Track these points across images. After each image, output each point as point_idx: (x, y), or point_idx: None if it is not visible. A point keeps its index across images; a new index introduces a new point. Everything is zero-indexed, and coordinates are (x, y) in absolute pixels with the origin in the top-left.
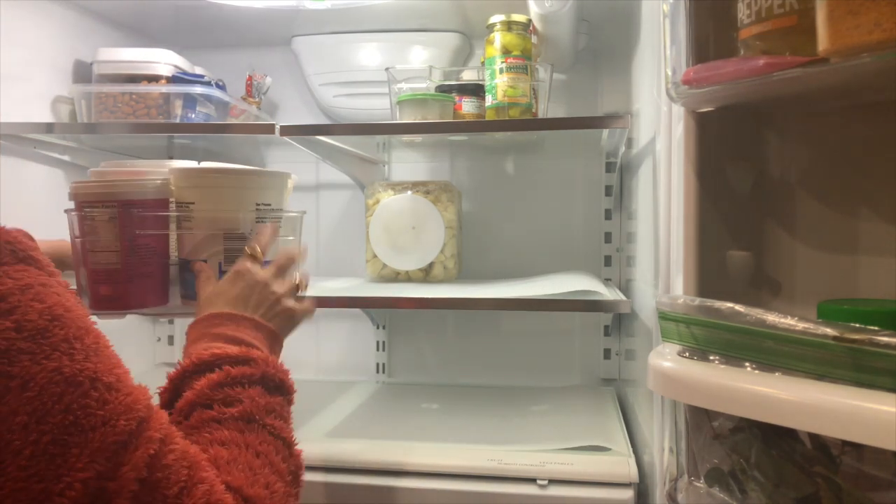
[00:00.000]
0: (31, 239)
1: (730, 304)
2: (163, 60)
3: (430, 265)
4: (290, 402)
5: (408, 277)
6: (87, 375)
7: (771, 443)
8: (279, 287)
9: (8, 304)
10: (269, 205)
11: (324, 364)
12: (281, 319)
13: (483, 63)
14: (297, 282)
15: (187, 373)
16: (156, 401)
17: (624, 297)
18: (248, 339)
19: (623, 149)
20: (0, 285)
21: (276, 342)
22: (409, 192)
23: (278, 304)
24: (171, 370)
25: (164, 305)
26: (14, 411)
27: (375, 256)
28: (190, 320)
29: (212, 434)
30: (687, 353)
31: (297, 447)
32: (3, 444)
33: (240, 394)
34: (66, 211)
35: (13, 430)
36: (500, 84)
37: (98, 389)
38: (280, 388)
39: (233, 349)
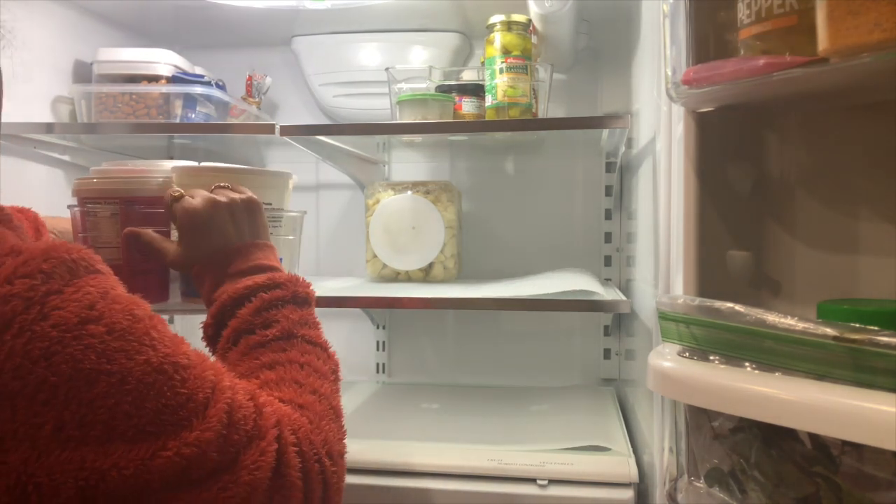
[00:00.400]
0: (92, 252)
1: (730, 304)
2: (163, 60)
3: (430, 265)
4: (314, 309)
5: (408, 277)
6: (170, 361)
7: (771, 443)
8: (239, 202)
9: (97, 312)
10: (270, 204)
11: None
12: (263, 228)
13: (483, 63)
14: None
15: (226, 307)
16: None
17: (624, 297)
18: (265, 262)
19: (623, 149)
20: (87, 295)
21: (273, 252)
22: (410, 192)
23: (252, 217)
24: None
25: (165, 302)
26: (118, 402)
27: (375, 256)
28: (190, 318)
29: (258, 358)
30: (687, 353)
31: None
32: (112, 430)
33: (276, 315)
34: (69, 207)
35: (118, 418)
36: (500, 84)
37: (178, 371)
38: (307, 300)
39: (260, 278)
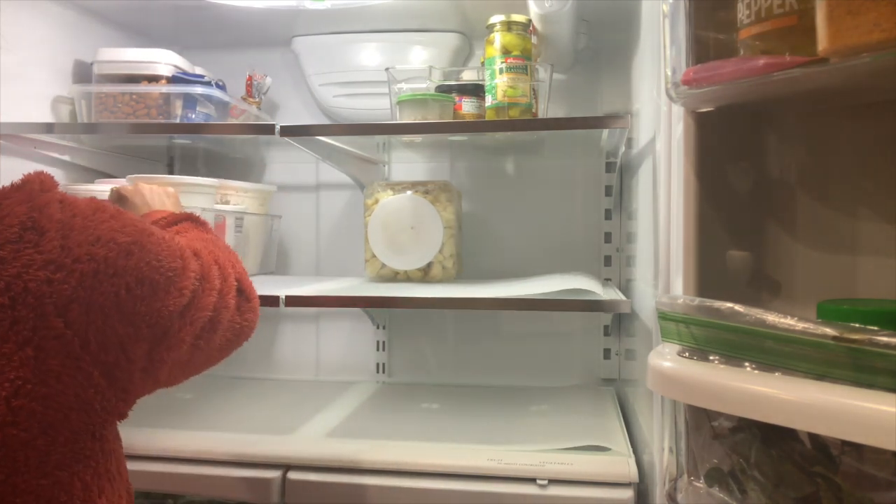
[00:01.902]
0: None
1: (729, 304)
2: (163, 60)
3: (429, 265)
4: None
5: (406, 277)
6: (150, 227)
7: (771, 443)
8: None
9: (95, 204)
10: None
11: (324, 364)
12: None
13: (483, 63)
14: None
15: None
16: None
17: (624, 297)
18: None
19: (623, 149)
20: (76, 196)
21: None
22: (408, 192)
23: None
24: None
25: None
26: (148, 261)
27: (374, 256)
28: None
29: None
30: (687, 353)
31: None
32: (156, 283)
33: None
34: None
35: (154, 269)
36: (500, 84)
37: (158, 232)
38: (191, 219)
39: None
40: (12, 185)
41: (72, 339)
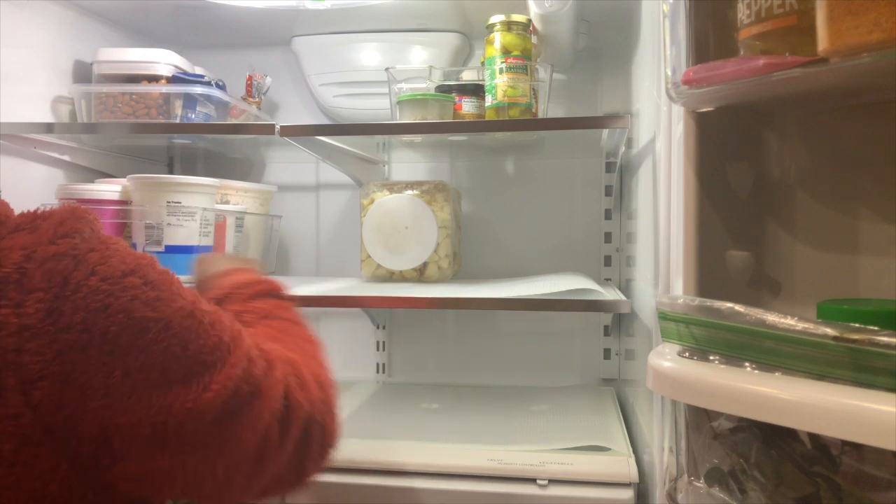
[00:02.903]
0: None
1: (730, 304)
2: (163, 60)
3: (425, 265)
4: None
5: (402, 277)
6: (197, 308)
7: (771, 443)
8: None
9: (131, 266)
10: (205, 208)
11: None
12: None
13: (483, 63)
14: None
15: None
16: None
17: (624, 297)
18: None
19: (623, 149)
20: (117, 251)
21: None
22: (403, 192)
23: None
24: None
25: None
26: (169, 346)
27: (370, 256)
28: None
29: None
30: (687, 353)
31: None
32: (167, 372)
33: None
34: None
35: (170, 360)
36: (500, 84)
37: (205, 316)
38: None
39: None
40: (31, 217)
41: (32, 422)
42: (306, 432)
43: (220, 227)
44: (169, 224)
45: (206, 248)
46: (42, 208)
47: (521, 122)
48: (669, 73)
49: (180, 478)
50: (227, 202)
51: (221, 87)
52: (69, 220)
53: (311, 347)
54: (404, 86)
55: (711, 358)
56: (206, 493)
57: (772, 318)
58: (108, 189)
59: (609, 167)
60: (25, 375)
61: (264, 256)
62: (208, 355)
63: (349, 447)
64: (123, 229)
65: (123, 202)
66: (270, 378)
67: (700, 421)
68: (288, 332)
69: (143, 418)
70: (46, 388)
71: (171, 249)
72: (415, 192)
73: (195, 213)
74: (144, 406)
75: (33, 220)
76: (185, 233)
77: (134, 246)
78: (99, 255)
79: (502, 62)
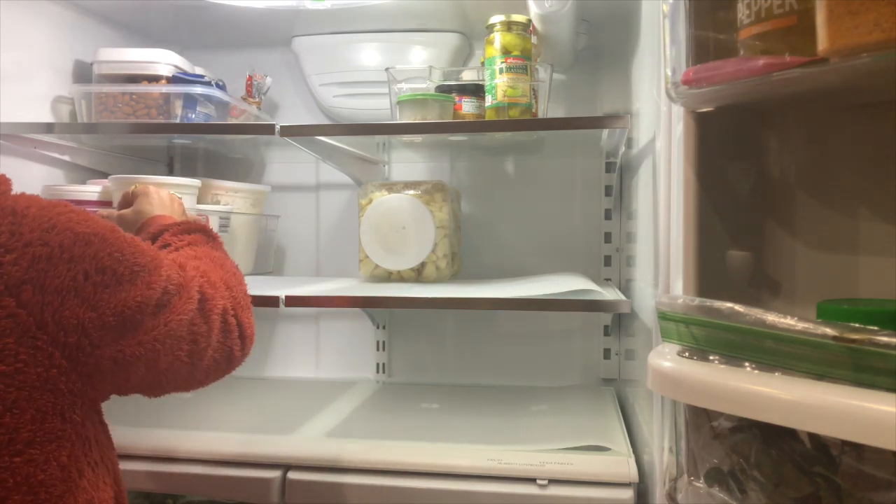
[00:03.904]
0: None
1: (730, 304)
2: (163, 60)
3: (423, 265)
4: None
5: (400, 277)
6: (116, 229)
7: (771, 443)
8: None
9: (51, 201)
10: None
11: (324, 364)
12: (178, 205)
13: (483, 63)
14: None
15: (155, 234)
16: None
17: (624, 297)
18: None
19: (623, 149)
20: (35, 197)
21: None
22: (402, 192)
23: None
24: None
25: None
26: (110, 252)
27: (368, 257)
28: None
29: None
30: (687, 353)
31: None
32: (115, 273)
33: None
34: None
35: (115, 261)
36: (500, 84)
37: (125, 234)
38: (204, 231)
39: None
40: None
41: (26, 319)
42: (224, 321)
43: None
44: None
45: None
46: None
47: (521, 122)
48: (669, 73)
49: (143, 357)
50: (217, 202)
51: (221, 87)
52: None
53: (224, 263)
54: (404, 86)
55: (711, 358)
56: (163, 370)
57: (772, 318)
58: (90, 189)
59: (609, 167)
60: (10, 281)
61: (259, 256)
62: (140, 258)
63: (349, 447)
64: None
65: (104, 202)
66: (186, 278)
67: (700, 421)
68: (206, 254)
69: (107, 310)
70: (30, 291)
71: None
72: (413, 192)
73: None
74: (106, 301)
75: None
76: None
77: None
78: (24, 198)
79: (502, 62)
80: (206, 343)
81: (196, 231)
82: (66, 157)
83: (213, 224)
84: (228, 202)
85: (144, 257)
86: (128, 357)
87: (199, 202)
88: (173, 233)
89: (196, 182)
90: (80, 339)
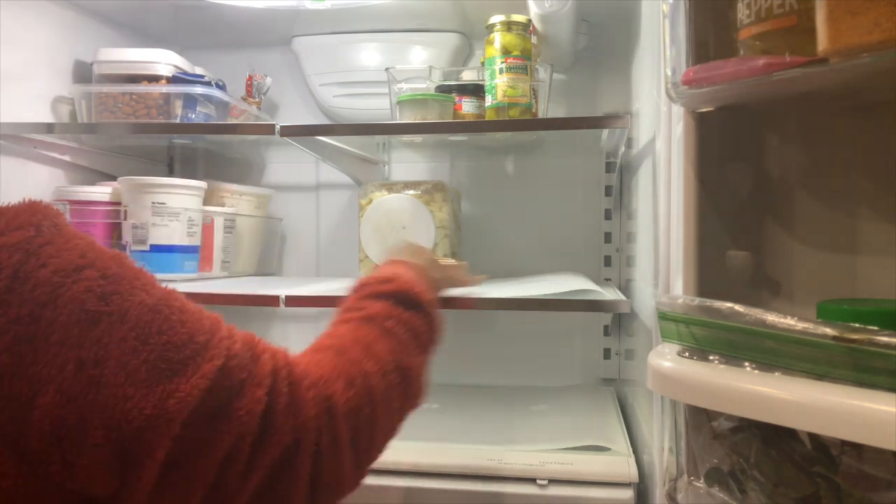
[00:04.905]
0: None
1: (730, 304)
2: (163, 60)
3: None
4: (426, 320)
5: None
6: (165, 303)
7: (771, 443)
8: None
9: (89, 259)
10: (188, 208)
11: None
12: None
13: (483, 63)
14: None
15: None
16: None
17: (624, 297)
18: (400, 270)
19: (623, 149)
20: (76, 246)
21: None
22: (401, 192)
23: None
24: None
25: None
26: (124, 338)
27: (367, 257)
28: None
29: (329, 331)
30: (687, 353)
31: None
32: (125, 367)
33: (368, 304)
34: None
35: (127, 353)
36: (499, 84)
37: (175, 313)
38: (416, 304)
39: (382, 274)
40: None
41: None
42: (287, 461)
43: (207, 228)
44: (154, 224)
45: (192, 248)
46: (2, 204)
47: (521, 122)
48: (669, 73)
49: (133, 486)
50: (222, 204)
51: (221, 87)
52: (24, 214)
53: (348, 358)
54: (404, 86)
55: (711, 358)
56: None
57: (772, 318)
58: (100, 191)
59: (609, 167)
60: None
61: (263, 258)
62: (174, 353)
63: None
64: (115, 229)
65: (115, 203)
66: (250, 387)
67: (700, 421)
68: (355, 340)
69: (96, 420)
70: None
71: (157, 248)
72: (413, 192)
73: (179, 213)
74: (99, 406)
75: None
76: (169, 232)
77: (123, 247)
78: (55, 248)
79: (502, 62)
80: (234, 486)
81: (388, 297)
82: (66, 158)
83: (219, 226)
84: (233, 204)
85: (182, 351)
86: (113, 486)
87: (204, 204)
88: (360, 295)
89: (202, 184)
90: (48, 449)
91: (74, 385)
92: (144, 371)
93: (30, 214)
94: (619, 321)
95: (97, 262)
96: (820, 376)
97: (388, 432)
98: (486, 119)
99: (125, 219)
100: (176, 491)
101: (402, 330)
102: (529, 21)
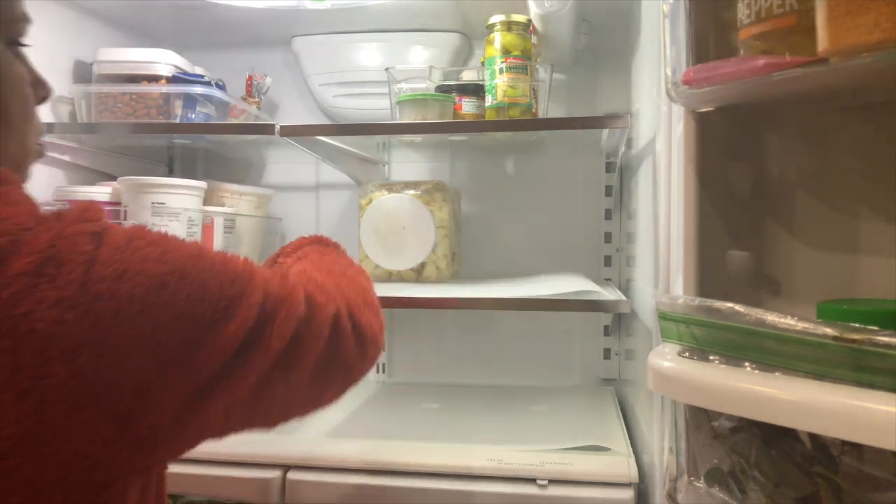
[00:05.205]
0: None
1: (730, 304)
2: (163, 60)
3: (423, 265)
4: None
5: (400, 277)
6: (204, 251)
7: (771, 443)
8: None
9: (132, 232)
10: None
11: None
12: None
13: (483, 63)
14: None
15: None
16: None
17: (624, 297)
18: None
19: (623, 149)
20: (121, 229)
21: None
22: (401, 192)
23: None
24: None
25: None
26: (189, 292)
27: (367, 257)
28: None
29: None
30: (687, 353)
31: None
32: (195, 317)
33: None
34: None
35: (195, 303)
36: (500, 84)
37: (214, 257)
38: (318, 241)
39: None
40: (57, 212)
41: (77, 389)
42: (336, 327)
43: (207, 229)
44: (154, 224)
45: None
46: (62, 206)
47: (521, 122)
48: (669, 73)
49: (218, 405)
50: (221, 204)
51: (221, 87)
52: (90, 209)
53: (335, 263)
54: (404, 86)
55: (711, 358)
56: (246, 413)
57: (772, 318)
58: (100, 191)
59: (609, 167)
60: (67, 345)
61: (261, 259)
62: (229, 289)
63: (349, 447)
64: None
65: (115, 203)
66: (287, 288)
67: (700, 421)
68: (315, 259)
69: (174, 370)
70: (86, 356)
71: None
72: (413, 192)
73: (179, 213)
74: (174, 357)
75: (58, 212)
76: (169, 232)
77: None
78: (108, 231)
79: (502, 62)
80: (309, 355)
81: (309, 244)
82: (66, 158)
83: (219, 226)
84: (233, 204)
85: (234, 287)
86: (197, 413)
87: (204, 204)
88: (285, 254)
89: (202, 184)
90: (134, 405)
91: (154, 344)
92: (210, 315)
93: (94, 211)
94: (619, 321)
95: (135, 233)
96: (820, 376)
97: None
98: (486, 119)
99: (125, 219)
100: (238, 382)
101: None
102: (529, 21)
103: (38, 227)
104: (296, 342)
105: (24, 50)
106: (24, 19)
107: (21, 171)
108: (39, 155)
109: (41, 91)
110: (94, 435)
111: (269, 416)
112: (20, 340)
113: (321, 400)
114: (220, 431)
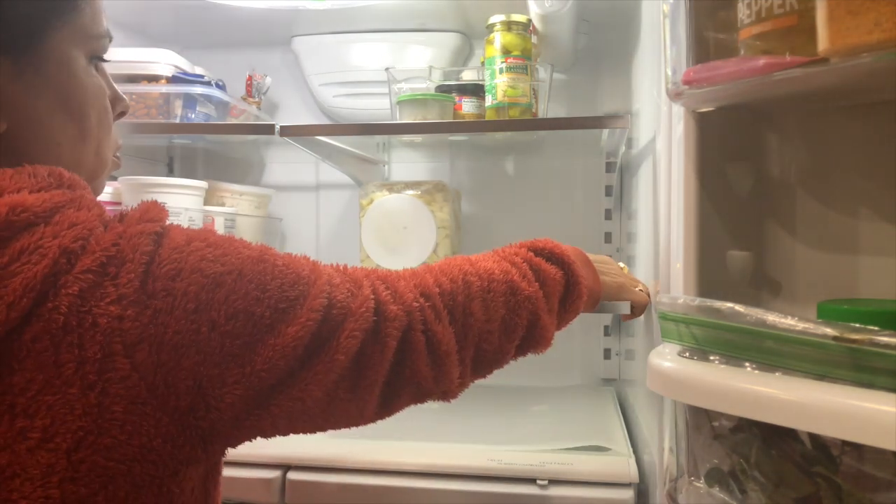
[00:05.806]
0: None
1: (730, 304)
2: (163, 60)
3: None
4: (564, 277)
5: None
6: (267, 253)
7: (771, 443)
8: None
9: (192, 234)
10: (188, 208)
11: None
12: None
13: (483, 63)
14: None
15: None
16: None
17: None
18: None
19: (623, 149)
20: (181, 229)
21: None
22: (402, 192)
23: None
24: None
25: None
26: (247, 291)
27: (368, 257)
28: None
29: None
30: (687, 353)
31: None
32: (252, 317)
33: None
34: None
35: (251, 303)
36: (500, 84)
37: (277, 259)
38: (557, 260)
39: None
40: (120, 213)
41: (138, 383)
42: (405, 341)
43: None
44: None
45: None
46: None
47: (521, 122)
48: (669, 72)
49: (282, 415)
50: (222, 204)
51: (221, 87)
52: (152, 210)
53: (449, 264)
54: (404, 86)
55: (711, 358)
56: (310, 419)
57: (772, 318)
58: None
59: (609, 167)
60: (128, 340)
61: None
62: (290, 290)
63: (349, 447)
64: None
65: (115, 203)
66: (358, 297)
67: (700, 421)
68: (464, 258)
69: (233, 367)
70: (146, 351)
71: None
72: (414, 192)
73: (179, 213)
74: (234, 355)
75: (122, 213)
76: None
77: None
78: (169, 232)
79: (502, 62)
80: (376, 371)
81: (528, 248)
82: None
83: (219, 225)
84: (233, 204)
85: (295, 289)
86: (260, 415)
87: (204, 204)
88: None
89: (203, 184)
90: (195, 402)
91: (210, 343)
92: (270, 315)
93: (157, 211)
94: (619, 321)
95: (199, 234)
96: (820, 376)
97: (489, 335)
98: (486, 119)
99: None
100: (324, 377)
101: (527, 267)
102: (529, 21)
103: (104, 229)
104: (361, 354)
105: (104, 65)
106: (106, 35)
107: (95, 181)
108: (115, 167)
109: (119, 106)
110: (157, 430)
111: (325, 424)
112: (86, 335)
113: (383, 412)
114: (274, 433)
